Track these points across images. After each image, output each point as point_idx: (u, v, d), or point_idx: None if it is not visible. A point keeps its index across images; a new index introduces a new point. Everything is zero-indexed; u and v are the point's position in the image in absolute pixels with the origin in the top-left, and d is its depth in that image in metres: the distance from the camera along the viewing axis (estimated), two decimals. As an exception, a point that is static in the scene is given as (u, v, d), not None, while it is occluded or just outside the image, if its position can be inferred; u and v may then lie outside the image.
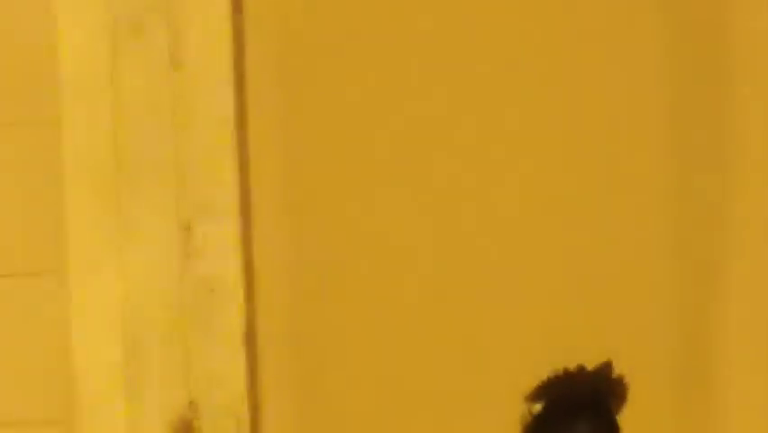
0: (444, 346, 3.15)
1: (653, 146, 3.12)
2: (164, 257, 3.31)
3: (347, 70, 3.34)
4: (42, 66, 3.32)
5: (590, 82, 3.09)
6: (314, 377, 3.40)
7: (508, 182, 3.09)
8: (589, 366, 2.41)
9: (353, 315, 3.34)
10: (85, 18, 3.32)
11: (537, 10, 3.12)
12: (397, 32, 3.22)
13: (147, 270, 3.29)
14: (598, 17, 3.10)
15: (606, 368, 2.45)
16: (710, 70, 3.15)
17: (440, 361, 3.15)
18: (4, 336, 3.32)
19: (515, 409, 2.49)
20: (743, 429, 2.92)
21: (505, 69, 3.16)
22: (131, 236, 3.30)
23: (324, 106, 3.36)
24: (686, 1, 3.15)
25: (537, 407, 2.41)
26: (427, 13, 3.18)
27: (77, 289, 3.31)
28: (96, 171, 3.32)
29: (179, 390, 3.35)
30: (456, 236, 3.15)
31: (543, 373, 2.49)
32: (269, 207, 3.39)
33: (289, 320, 3.37)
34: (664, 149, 3.11)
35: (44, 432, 3.29)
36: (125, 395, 3.35)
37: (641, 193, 3.07)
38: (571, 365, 2.44)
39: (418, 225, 3.18)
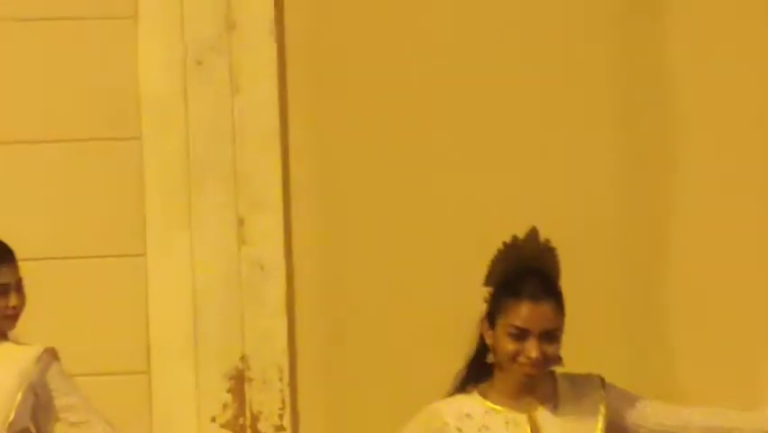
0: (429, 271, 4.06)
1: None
2: (224, 243, 4.17)
3: (367, 90, 4.25)
4: (127, 93, 4.13)
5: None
6: (340, 336, 4.23)
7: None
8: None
9: (372, 288, 4.22)
10: (161, 54, 4.18)
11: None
12: (420, 64, 4.13)
13: (211, 253, 4.16)
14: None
15: (533, 234, 2.84)
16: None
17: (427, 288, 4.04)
18: (97, 304, 4.10)
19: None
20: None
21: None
22: (198, 227, 4.16)
23: (352, 122, 4.24)
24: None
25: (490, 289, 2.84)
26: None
27: (153, 268, 4.17)
28: (170, 175, 4.19)
29: (234, 346, 4.19)
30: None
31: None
32: (305, 204, 4.26)
33: (320, 292, 4.20)
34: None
35: (129, 380, 4.07)
36: (192, 351, 4.20)
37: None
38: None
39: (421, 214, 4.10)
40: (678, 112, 4.32)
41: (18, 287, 3.33)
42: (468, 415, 2.85)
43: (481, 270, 2.83)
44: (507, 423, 2.80)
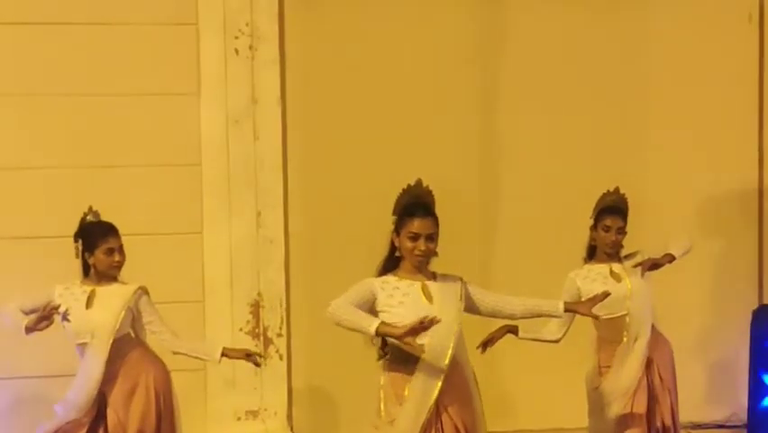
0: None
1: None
2: (248, 227, 6.38)
3: (345, 127, 6.37)
4: (193, 137, 6.33)
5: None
6: (317, 284, 6.32)
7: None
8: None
9: (339, 252, 6.37)
10: (214, 117, 6.36)
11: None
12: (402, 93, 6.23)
13: (241, 232, 6.38)
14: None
15: (419, 182, 4.05)
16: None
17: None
18: (174, 262, 6.18)
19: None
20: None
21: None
22: (234, 217, 6.37)
23: (331, 164, 6.40)
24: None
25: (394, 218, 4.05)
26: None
27: (207, 241, 6.38)
28: (218, 186, 6.37)
29: (254, 287, 6.41)
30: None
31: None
32: (298, 205, 6.47)
33: (305, 257, 6.46)
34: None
35: (191, 306, 6.17)
36: (229, 290, 6.39)
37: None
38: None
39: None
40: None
41: (120, 249, 4.69)
42: (386, 281, 3.94)
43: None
44: (409, 285, 3.92)
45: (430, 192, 4.11)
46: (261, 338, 6.39)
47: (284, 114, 6.41)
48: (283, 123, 6.42)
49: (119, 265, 4.67)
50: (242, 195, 6.36)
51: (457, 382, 3.99)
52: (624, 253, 5.02)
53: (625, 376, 4.87)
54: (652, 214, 6.32)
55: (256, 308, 6.39)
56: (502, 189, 6.49)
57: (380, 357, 4.09)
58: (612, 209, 4.94)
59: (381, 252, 5.98)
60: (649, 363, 4.92)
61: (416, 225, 3.95)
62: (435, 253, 4.01)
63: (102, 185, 5.79)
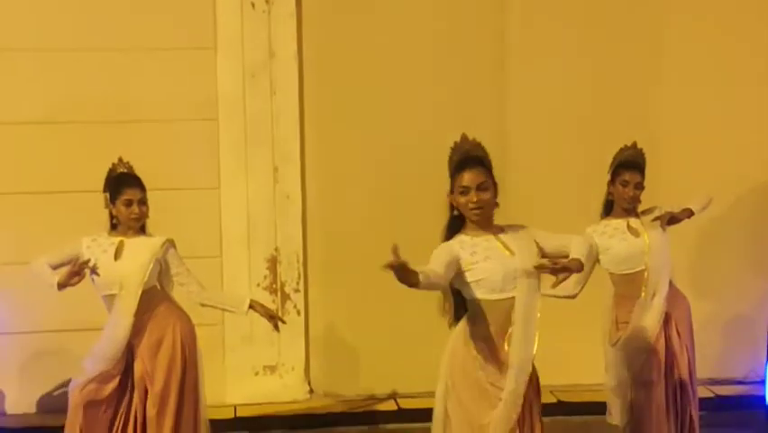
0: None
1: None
2: (266, 182, 6.38)
3: (360, 94, 6.36)
4: (210, 91, 6.32)
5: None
6: (333, 238, 6.44)
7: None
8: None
9: (356, 206, 6.40)
10: (230, 70, 6.35)
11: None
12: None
13: (258, 187, 6.38)
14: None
15: (465, 137, 3.85)
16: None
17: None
18: (194, 217, 6.21)
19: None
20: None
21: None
22: (251, 172, 6.36)
23: (345, 119, 6.37)
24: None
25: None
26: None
27: (224, 196, 6.38)
28: (235, 142, 6.36)
29: (271, 242, 6.42)
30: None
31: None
32: (314, 160, 6.47)
33: (320, 213, 6.45)
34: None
35: (210, 261, 6.18)
36: (246, 245, 6.41)
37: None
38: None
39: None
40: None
41: (141, 202, 4.61)
42: (462, 241, 3.72)
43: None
44: (485, 241, 3.72)
45: (478, 144, 3.91)
46: (279, 294, 6.43)
47: (301, 68, 6.41)
48: (300, 77, 6.41)
49: (137, 218, 4.65)
50: (259, 150, 6.37)
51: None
52: (640, 208, 4.98)
53: (642, 332, 4.83)
54: (668, 169, 6.27)
55: (273, 263, 6.43)
56: (517, 145, 6.44)
57: (452, 324, 3.89)
58: (630, 164, 4.90)
59: (398, 206, 6.41)
60: (667, 319, 4.89)
61: (465, 178, 3.78)
62: (495, 204, 3.84)
63: (119, 140, 5.77)
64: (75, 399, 4.61)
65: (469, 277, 3.75)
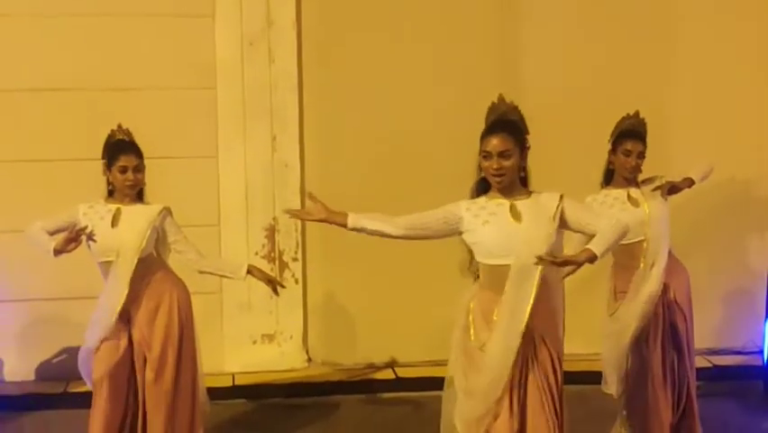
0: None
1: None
2: (264, 150, 6.36)
3: (359, 63, 6.31)
4: (208, 59, 6.28)
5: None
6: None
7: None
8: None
9: (359, 172, 6.37)
10: (228, 38, 6.31)
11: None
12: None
13: (256, 156, 6.36)
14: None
15: (501, 98, 3.81)
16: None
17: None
18: (192, 186, 6.18)
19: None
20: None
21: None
22: (249, 140, 6.34)
23: (344, 83, 6.32)
24: None
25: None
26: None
27: (222, 164, 6.36)
28: (232, 110, 6.33)
29: (269, 212, 6.40)
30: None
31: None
32: (312, 129, 6.44)
33: (320, 180, 6.39)
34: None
35: (208, 230, 6.17)
36: (245, 214, 6.40)
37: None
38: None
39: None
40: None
41: (136, 169, 4.55)
42: (475, 202, 3.74)
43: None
44: (497, 205, 3.71)
45: (515, 108, 3.87)
46: (277, 262, 6.42)
47: (299, 36, 6.36)
48: (298, 45, 6.36)
49: (132, 185, 4.63)
50: (257, 119, 6.34)
51: (549, 307, 3.79)
52: (641, 178, 4.95)
53: (640, 302, 4.82)
54: (671, 140, 6.25)
55: (271, 232, 6.43)
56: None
57: (476, 279, 3.87)
58: (632, 133, 4.86)
59: (396, 175, 6.40)
60: (665, 289, 4.87)
61: (489, 143, 3.75)
62: (521, 170, 3.80)
63: (116, 107, 5.74)
64: (97, 372, 4.61)
65: (467, 238, 3.78)
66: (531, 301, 3.69)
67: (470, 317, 3.81)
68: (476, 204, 3.79)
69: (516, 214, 3.73)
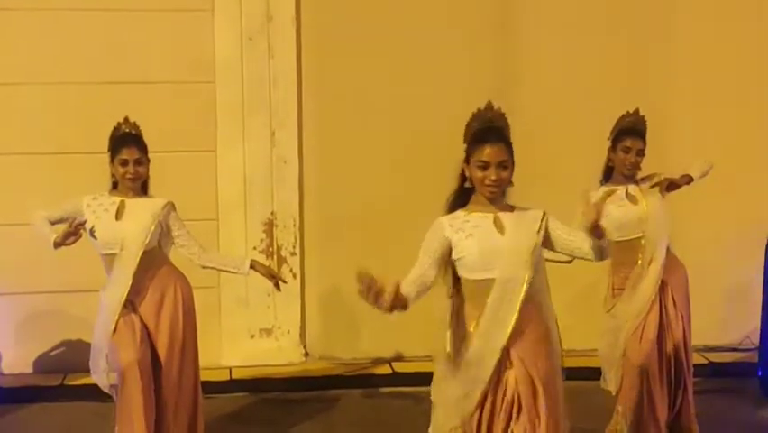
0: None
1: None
2: (263, 146, 6.36)
3: (357, 60, 6.32)
4: (208, 54, 6.28)
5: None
6: (331, 201, 6.43)
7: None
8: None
9: (357, 171, 6.38)
10: (228, 33, 6.30)
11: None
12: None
13: (255, 151, 6.36)
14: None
15: (490, 105, 3.62)
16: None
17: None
18: (190, 178, 6.17)
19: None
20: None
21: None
22: (248, 135, 6.34)
23: (342, 81, 6.33)
24: None
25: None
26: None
27: (221, 159, 6.37)
28: (232, 105, 6.32)
29: (267, 205, 6.40)
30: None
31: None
32: (311, 124, 6.44)
33: (318, 176, 6.44)
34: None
35: (206, 224, 6.13)
36: (243, 208, 6.40)
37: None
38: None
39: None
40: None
41: (137, 162, 4.53)
42: (455, 218, 3.54)
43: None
44: (480, 217, 3.53)
45: (502, 115, 3.68)
46: (275, 257, 6.42)
47: (299, 31, 6.35)
48: (298, 41, 6.36)
49: (132, 178, 4.61)
50: (256, 114, 6.34)
51: (533, 326, 3.61)
52: (640, 175, 4.95)
53: (638, 298, 4.83)
54: (670, 137, 6.24)
55: (270, 226, 6.42)
56: (518, 110, 6.24)
57: (451, 296, 3.70)
58: (632, 131, 4.87)
59: (394, 171, 6.41)
60: (663, 286, 4.89)
61: (486, 152, 3.55)
62: (510, 183, 3.63)
63: (115, 101, 5.67)
64: (125, 357, 4.55)
65: (454, 255, 3.62)
66: (513, 318, 3.54)
67: (448, 333, 3.66)
68: (457, 219, 3.63)
69: (499, 226, 3.60)
